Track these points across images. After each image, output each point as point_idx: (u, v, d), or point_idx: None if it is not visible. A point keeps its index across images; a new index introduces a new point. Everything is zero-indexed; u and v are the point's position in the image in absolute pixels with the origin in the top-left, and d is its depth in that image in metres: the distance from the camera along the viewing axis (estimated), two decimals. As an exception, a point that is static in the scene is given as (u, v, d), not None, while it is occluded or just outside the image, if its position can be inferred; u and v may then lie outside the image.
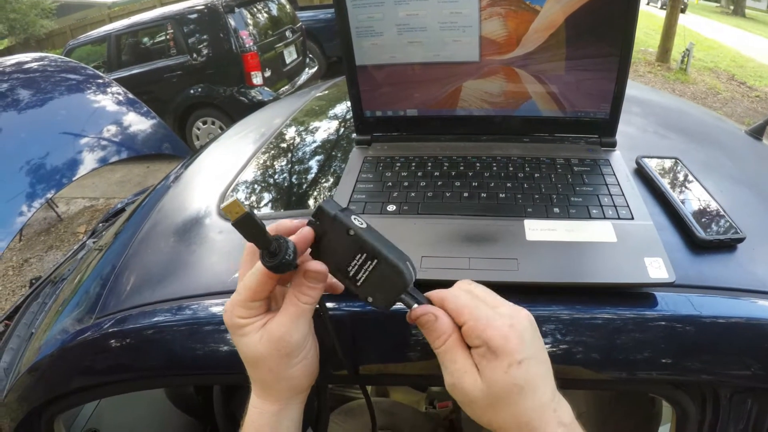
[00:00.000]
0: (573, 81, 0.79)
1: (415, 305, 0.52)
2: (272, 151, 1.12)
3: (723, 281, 0.64)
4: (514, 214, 0.69)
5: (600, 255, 0.63)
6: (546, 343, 0.61)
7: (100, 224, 2.06)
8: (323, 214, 0.52)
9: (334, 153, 1.08)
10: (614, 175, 0.78)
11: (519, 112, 0.84)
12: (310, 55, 6.95)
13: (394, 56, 0.82)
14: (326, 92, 1.61)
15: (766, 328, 0.60)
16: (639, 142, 0.99)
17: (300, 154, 1.11)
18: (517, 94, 0.82)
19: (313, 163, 1.05)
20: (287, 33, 6.16)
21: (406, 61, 0.82)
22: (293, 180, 0.99)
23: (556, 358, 0.57)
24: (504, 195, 0.73)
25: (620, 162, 0.81)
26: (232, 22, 5.31)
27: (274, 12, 6.22)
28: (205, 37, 5.43)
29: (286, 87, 5.92)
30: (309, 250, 0.54)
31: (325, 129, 1.25)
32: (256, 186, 0.97)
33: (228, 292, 0.69)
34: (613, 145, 0.85)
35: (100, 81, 2.41)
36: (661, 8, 20.35)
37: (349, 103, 0.92)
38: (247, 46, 5.30)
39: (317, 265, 0.53)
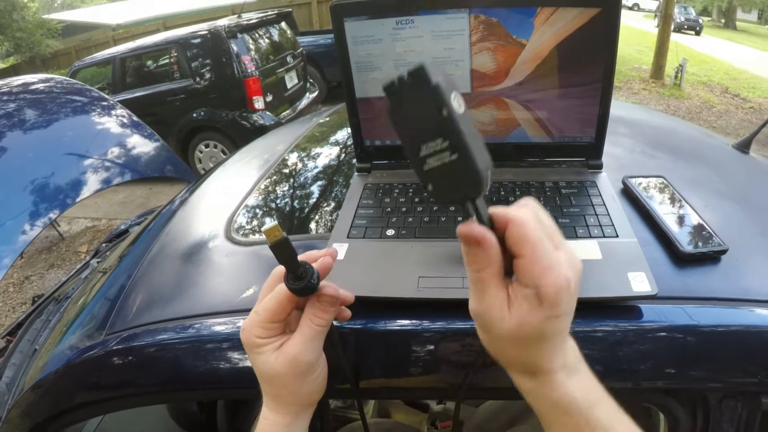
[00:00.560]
0: (559, 108, 0.84)
1: (473, 218, 0.45)
2: (276, 177, 1.15)
3: (706, 291, 0.67)
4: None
5: (586, 272, 0.64)
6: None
7: (103, 244, 2.08)
8: (421, 76, 0.40)
9: (336, 179, 1.10)
10: (600, 196, 0.81)
11: (509, 139, 0.88)
12: (311, 80, 6.97)
13: (392, 89, 0.86)
14: (328, 119, 1.64)
15: (748, 334, 0.63)
16: (626, 162, 1.02)
17: (303, 179, 1.14)
18: (507, 123, 0.86)
19: (316, 189, 1.08)
20: (288, 58, 6.21)
21: (404, 93, 0.86)
22: (296, 205, 1.02)
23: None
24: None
25: (606, 183, 0.85)
26: (234, 47, 5.34)
27: (276, 37, 6.27)
28: (208, 61, 5.47)
29: (287, 111, 5.95)
30: None
31: (327, 155, 1.28)
32: (260, 211, 1.00)
33: (234, 312, 0.73)
34: (600, 167, 0.88)
35: (105, 103, 2.39)
36: (674, 31, 20.49)
37: (349, 130, 0.95)
38: (249, 71, 5.34)
39: (330, 290, 0.57)
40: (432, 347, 0.67)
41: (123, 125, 2.35)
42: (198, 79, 5.53)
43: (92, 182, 2.00)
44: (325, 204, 1.00)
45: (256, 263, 0.84)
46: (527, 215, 0.45)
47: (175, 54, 5.65)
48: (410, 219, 0.79)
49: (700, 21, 22.72)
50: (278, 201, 1.04)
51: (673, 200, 0.84)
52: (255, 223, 0.96)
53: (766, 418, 0.65)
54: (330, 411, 1.33)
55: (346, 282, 0.63)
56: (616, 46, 0.79)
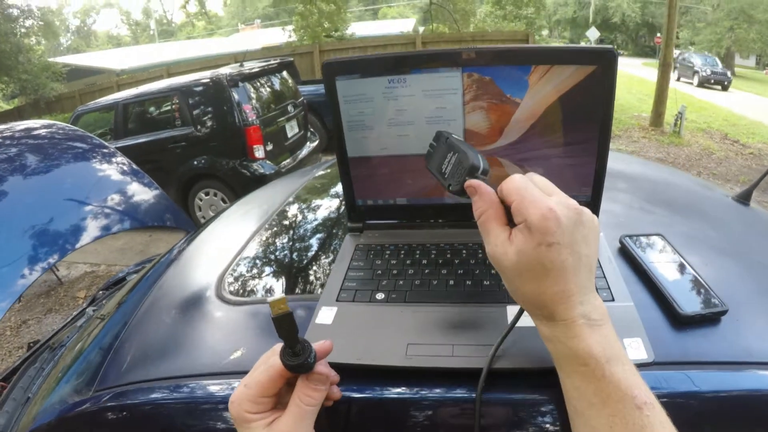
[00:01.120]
0: (555, 167, 0.82)
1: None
2: (269, 233, 1.14)
3: (705, 355, 0.65)
4: (497, 300, 0.71)
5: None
6: (532, 426, 0.62)
7: (100, 292, 2.07)
8: (441, 135, 0.70)
9: (329, 236, 1.10)
10: (597, 257, 0.80)
11: (505, 199, 0.87)
12: (312, 129, 7.01)
13: (384, 148, 0.85)
14: (328, 171, 1.64)
15: (751, 398, 0.61)
16: (623, 219, 1.01)
17: (296, 237, 1.13)
18: (501, 182, 0.85)
19: (308, 247, 1.07)
20: (289, 107, 6.24)
21: (396, 153, 0.85)
22: (288, 264, 1.01)
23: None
24: (488, 282, 0.75)
25: (603, 243, 0.83)
26: (236, 96, 5.37)
27: (277, 86, 6.33)
28: (209, 109, 5.49)
29: (288, 161, 5.96)
30: None
31: (322, 211, 1.28)
32: (252, 269, 0.99)
33: (227, 374, 0.71)
34: (596, 226, 0.87)
35: (106, 151, 2.42)
36: (698, 86, 19.21)
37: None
38: (250, 119, 5.35)
39: (321, 368, 0.57)
40: (421, 417, 0.64)
41: (123, 173, 2.38)
42: (199, 126, 5.55)
43: (92, 229, 2.01)
44: (317, 263, 0.99)
45: (244, 324, 0.83)
46: (516, 175, 0.56)
47: (177, 101, 5.68)
48: (401, 282, 0.78)
49: (729, 74, 20.79)
50: (270, 259, 1.03)
51: (671, 259, 0.82)
52: (245, 282, 0.95)
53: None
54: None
55: (333, 348, 0.62)
56: (613, 104, 0.77)
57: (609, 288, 0.73)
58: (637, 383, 0.50)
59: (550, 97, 0.77)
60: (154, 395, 0.72)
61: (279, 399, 0.58)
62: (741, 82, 21.53)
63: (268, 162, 5.53)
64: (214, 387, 0.70)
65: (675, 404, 0.59)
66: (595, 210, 0.85)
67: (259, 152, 5.43)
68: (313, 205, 1.34)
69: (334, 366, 0.63)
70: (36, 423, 0.81)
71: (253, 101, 5.61)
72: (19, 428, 0.89)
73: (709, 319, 0.69)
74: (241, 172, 5.45)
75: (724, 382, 0.62)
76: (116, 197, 2.21)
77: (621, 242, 0.88)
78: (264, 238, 1.12)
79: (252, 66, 6.05)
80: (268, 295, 0.88)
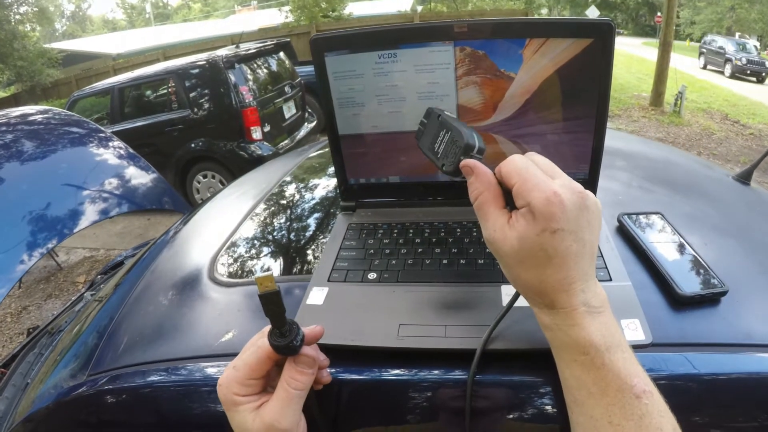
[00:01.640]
0: (551, 144, 0.80)
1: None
2: (262, 214, 1.13)
3: (704, 337, 0.64)
4: (492, 280, 0.70)
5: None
6: (526, 409, 0.61)
7: (99, 276, 2.09)
8: (432, 113, 0.67)
9: (322, 216, 1.08)
10: (593, 235, 0.78)
11: (499, 176, 0.85)
12: (309, 110, 6.99)
13: (375, 126, 0.84)
14: (321, 151, 1.63)
15: (748, 381, 0.60)
16: (622, 197, 1.00)
17: (291, 215, 1.12)
18: (497, 159, 0.81)
19: (301, 228, 1.06)
20: (286, 88, 6.23)
21: (387, 130, 0.84)
22: (280, 245, 1.00)
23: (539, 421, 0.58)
24: (483, 261, 0.74)
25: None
26: (232, 78, 5.35)
27: (274, 67, 6.30)
28: (206, 91, 5.47)
29: (286, 142, 5.95)
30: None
31: (315, 191, 1.26)
32: (244, 250, 0.98)
33: (218, 356, 0.71)
34: (594, 204, 0.85)
35: (102, 135, 2.43)
36: (730, 77, 16.76)
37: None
38: (246, 101, 5.34)
39: (309, 351, 0.55)
40: (414, 398, 0.63)
41: (120, 157, 2.39)
42: (196, 109, 5.54)
43: (89, 213, 2.03)
44: (310, 244, 0.98)
45: (237, 305, 0.82)
46: (516, 155, 0.54)
47: (173, 84, 5.66)
48: (393, 261, 0.76)
49: (766, 64, 16.66)
50: (262, 240, 1.02)
51: (670, 238, 0.81)
52: (238, 263, 0.94)
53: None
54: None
55: (324, 330, 0.62)
56: (611, 78, 0.75)
57: (606, 267, 0.71)
58: (637, 371, 0.49)
59: (545, 72, 0.75)
60: (148, 378, 0.72)
61: (268, 382, 0.57)
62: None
63: (265, 143, 5.52)
64: (208, 369, 0.70)
65: (673, 387, 0.59)
66: (593, 188, 0.84)
67: (256, 134, 5.42)
68: (307, 184, 1.33)
69: (324, 347, 0.62)
70: (34, 407, 0.81)
71: (250, 83, 5.59)
72: (19, 412, 0.90)
73: (709, 299, 0.68)
74: (238, 154, 5.44)
75: (724, 365, 0.61)
76: (113, 181, 2.22)
77: (619, 220, 0.87)
78: (257, 219, 1.11)
79: (248, 47, 6.02)
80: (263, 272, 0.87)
